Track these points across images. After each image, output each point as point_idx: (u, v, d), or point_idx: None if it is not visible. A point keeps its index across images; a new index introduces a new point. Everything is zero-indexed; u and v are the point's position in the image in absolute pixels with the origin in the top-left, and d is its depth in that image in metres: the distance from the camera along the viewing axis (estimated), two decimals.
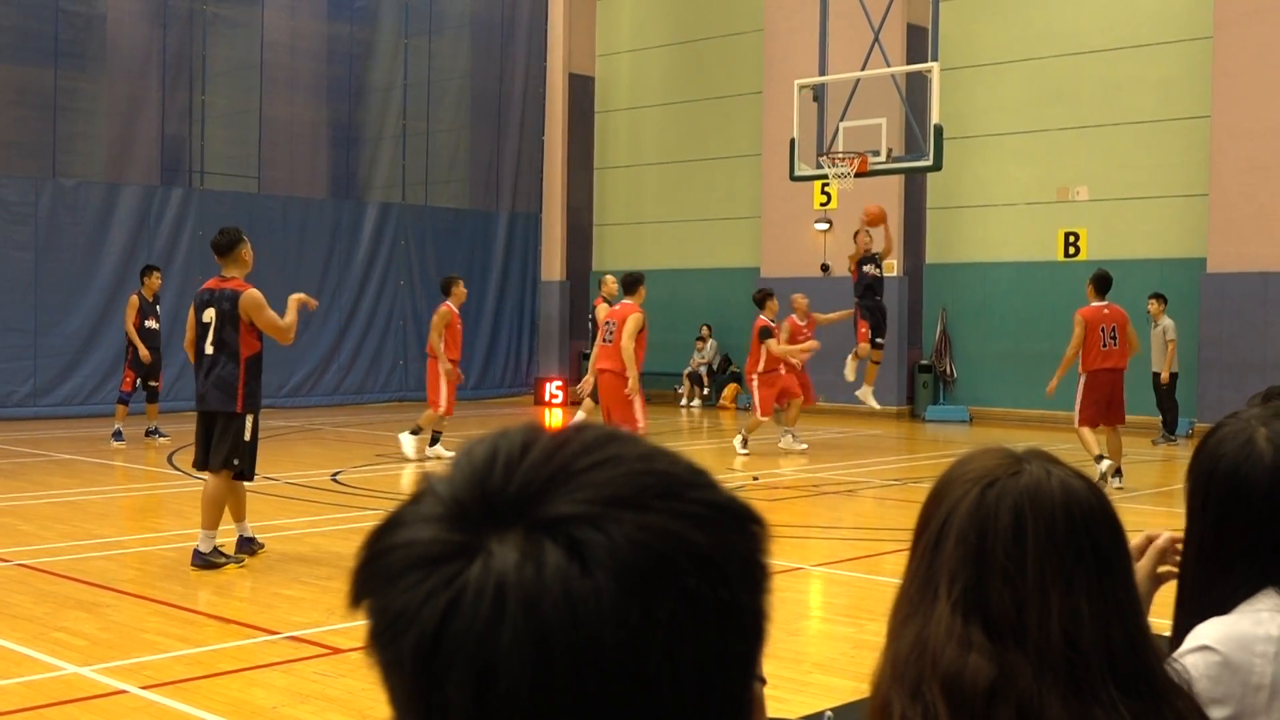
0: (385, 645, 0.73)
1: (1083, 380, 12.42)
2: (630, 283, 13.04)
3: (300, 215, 21.78)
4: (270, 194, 21.62)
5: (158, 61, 20.59)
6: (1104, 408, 12.32)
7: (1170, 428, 17.18)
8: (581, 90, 25.53)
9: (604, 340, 12.90)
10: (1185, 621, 1.95)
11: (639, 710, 0.70)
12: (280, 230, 21.41)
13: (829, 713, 5.29)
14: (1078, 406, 12.45)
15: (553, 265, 25.35)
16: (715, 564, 0.72)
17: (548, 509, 0.71)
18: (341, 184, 23.04)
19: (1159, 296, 17.28)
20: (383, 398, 22.32)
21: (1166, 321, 17.11)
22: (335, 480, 12.98)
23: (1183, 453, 15.24)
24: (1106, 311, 12.58)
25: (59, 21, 19.59)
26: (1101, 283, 12.86)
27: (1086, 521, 1.42)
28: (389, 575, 0.73)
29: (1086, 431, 12.38)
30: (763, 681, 1.67)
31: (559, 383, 23.45)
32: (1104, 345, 12.36)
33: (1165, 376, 17.07)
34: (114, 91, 20.61)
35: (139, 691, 5.84)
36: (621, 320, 12.69)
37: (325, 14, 22.59)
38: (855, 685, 5.79)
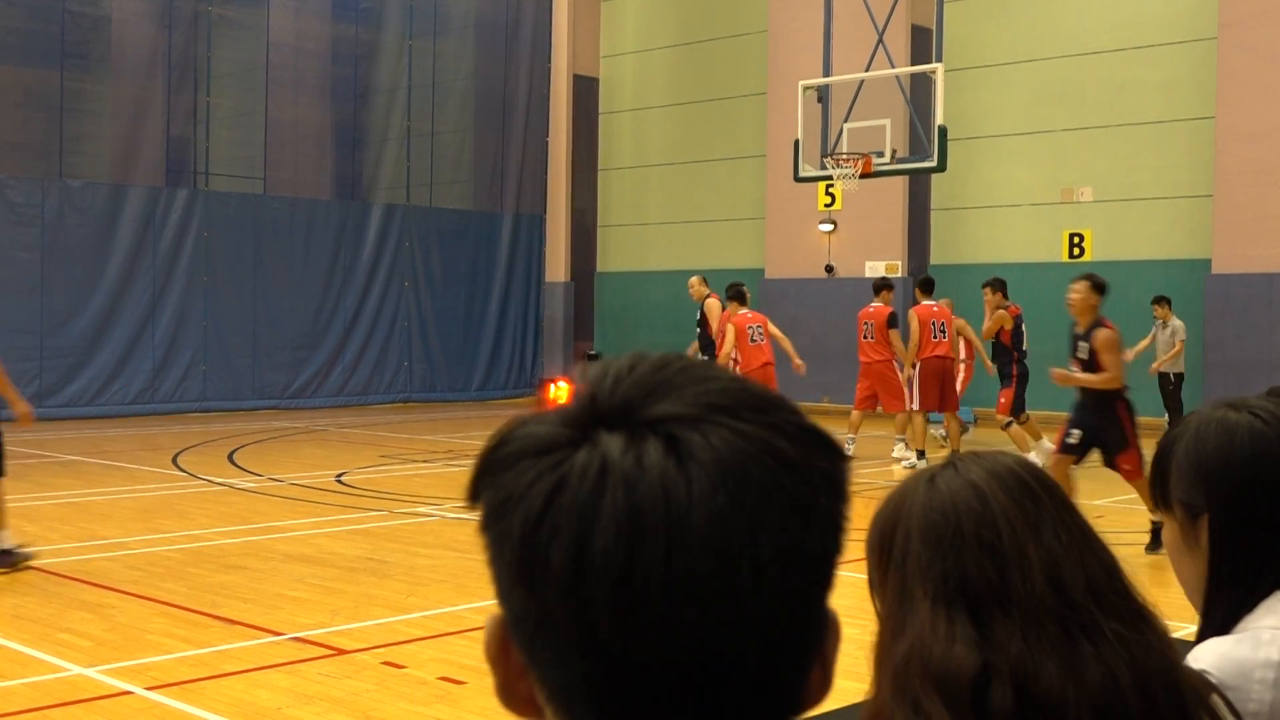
0: (495, 523, 0.79)
1: (918, 368, 14.69)
2: (881, 286, 15.50)
3: (306, 216, 21.80)
4: (276, 195, 21.64)
5: (163, 63, 20.62)
6: (938, 392, 14.63)
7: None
8: (586, 91, 25.54)
9: (864, 337, 15.27)
10: (1206, 634, 1.94)
11: (719, 591, 0.76)
12: (286, 232, 21.44)
13: None
14: (916, 391, 14.69)
15: (557, 266, 25.36)
16: (799, 469, 0.78)
17: (650, 410, 0.78)
18: (346, 185, 23.06)
19: (1163, 300, 17.15)
20: (387, 399, 22.34)
21: (1176, 323, 16.97)
22: (339, 481, 12.99)
23: None
24: (935, 309, 14.96)
25: (65, 23, 19.63)
26: (926, 284, 15.51)
27: (1030, 473, 1.46)
28: (503, 465, 0.80)
29: (920, 420, 14.71)
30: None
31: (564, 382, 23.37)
32: (934, 337, 14.72)
33: (1172, 376, 16.97)
34: (119, 93, 20.64)
35: (144, 693, 5.85)
36: (880, 319, 15.07)
37: (329, 15, 22.61)
38: (860, 687, 5.78)
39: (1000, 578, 1.38)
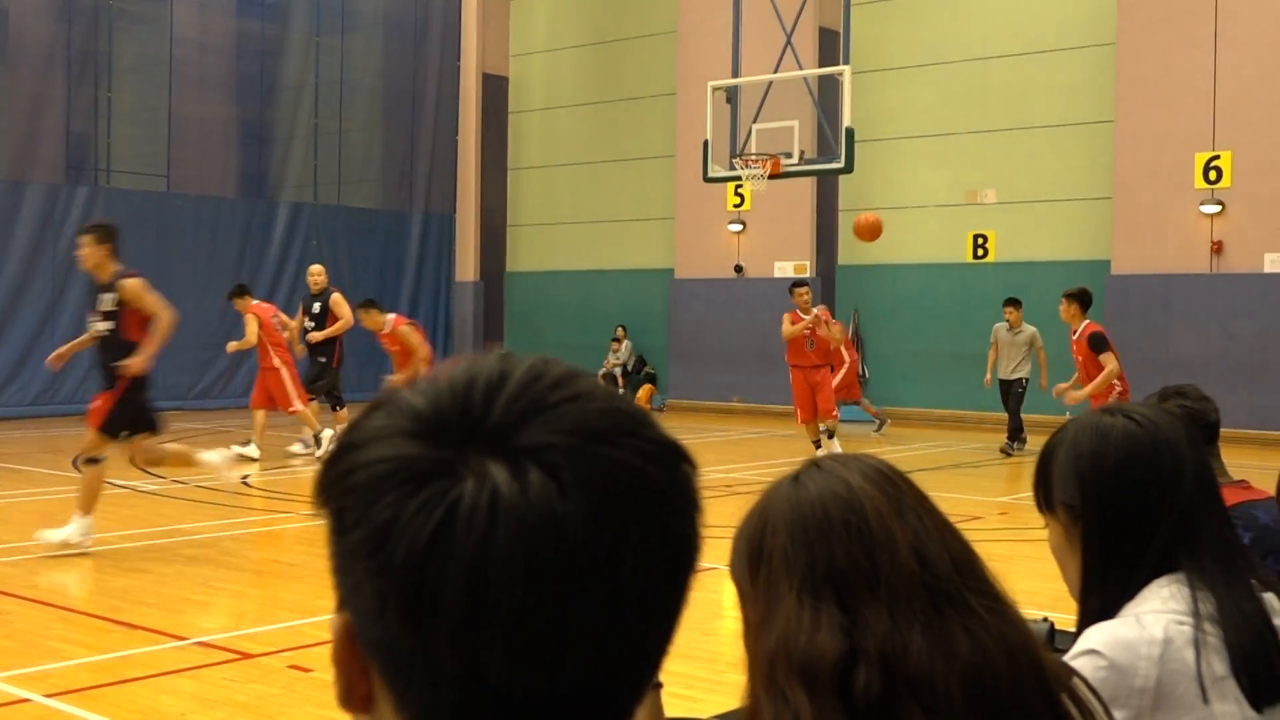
0: (371, 553, 0.77)
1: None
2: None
3: (211, 215, 21.48)
4: (179, 193, 21.30)
5: (62, 57, 20.21)
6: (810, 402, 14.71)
7: (1013, 436, 16.00)
8: (495, 90, 25.45)
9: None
10: (1085, 623, 2.00)
11: (608, 626, 0.78)
12: (191, 230, 21.11)
13: None
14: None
15: (466, 266, 25.24)
16: (670, 498, 0.81)
17: (528, 437, 0.78)
18: (253, 183, 22.76)
19: (1013, 302, 16.30)
20: None
21: (1028, 329, 16.11)
22: (245, 483, 12.82)
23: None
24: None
25: None
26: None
27: (888, 468, 1.49)
28: (373, 487, 0.78)
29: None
30: (659, 685, 1.67)
31: None
32: (808, 347, 14.72)
33: (1022, 381, 16.06)
34: (16, 87, 20.19)
35: (43, 700, 5.73)
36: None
37: (235, 10, 22.31)
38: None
39: (869, 560, 1.40)
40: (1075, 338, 12.81)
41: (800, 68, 17.27)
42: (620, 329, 23.40)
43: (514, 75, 25.49)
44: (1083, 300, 12.88)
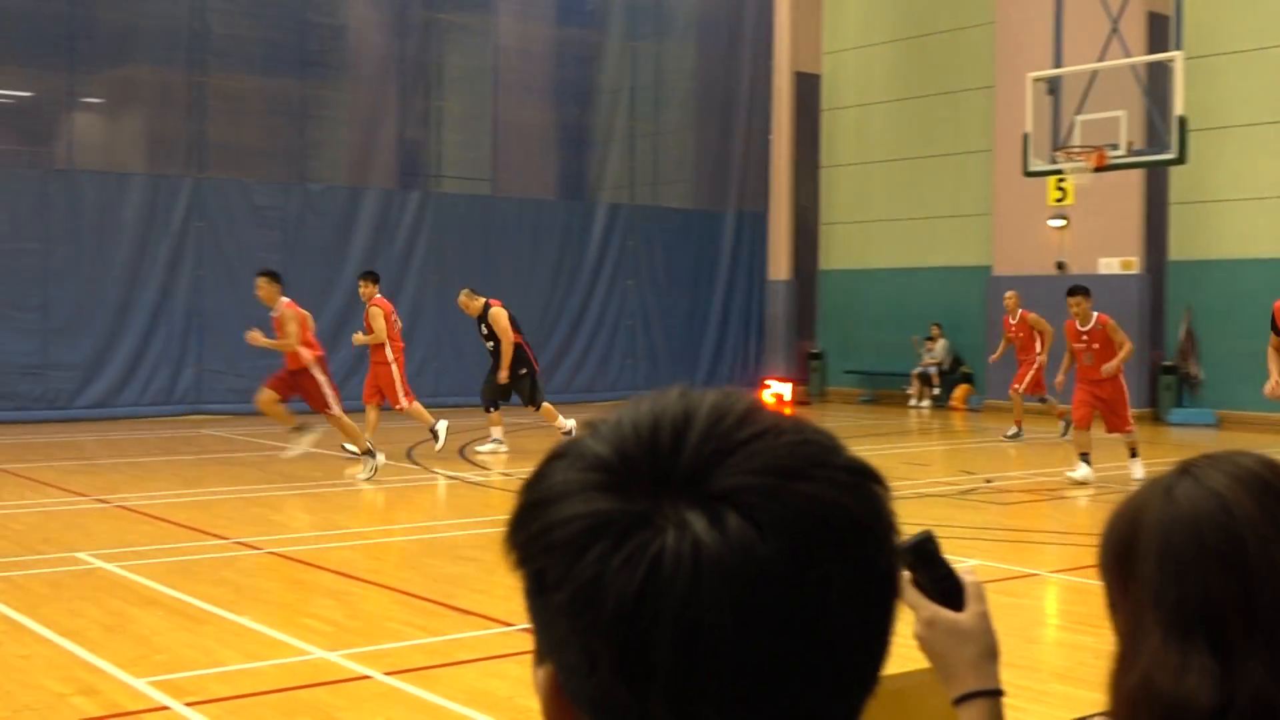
0: (578, 612, 0.76)
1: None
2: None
3: (533, 217, 22.25)
4: (503, 196, 22.15)
5: (396, 69, 21.31)
6: None
7: None
8: (807, 88, 25.39)
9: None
10: None
11: (815, 659, 0.76)
12: (514, 232, 21.93)
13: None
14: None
15: (779, 264, 25.28)
16: (869, 528, 0.79)
17: (721, 480, 0.76)
18: (572, 185, 23.46)
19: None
20: (612, 396, 22.61)
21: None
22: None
23: None
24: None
25: (305, 33, 20.46)
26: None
27: (1275, 473, 1.33)
28: (572, 545, 0.77)
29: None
30: (1000, 693, 1.62)
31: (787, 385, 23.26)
32: (1086, 360, 13.19)
33: None
34: (356, 99, 21.43)
35: (382, 677, 6.05)
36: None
37: (555, 19, 23.02)
38: (1094, 696, 5.61)
39: (1245, 597, 1.28)
40: None
41: (1127, 55, 16.55)
42: (935, 327, 22.97)
43: (826, 72, 25.36)
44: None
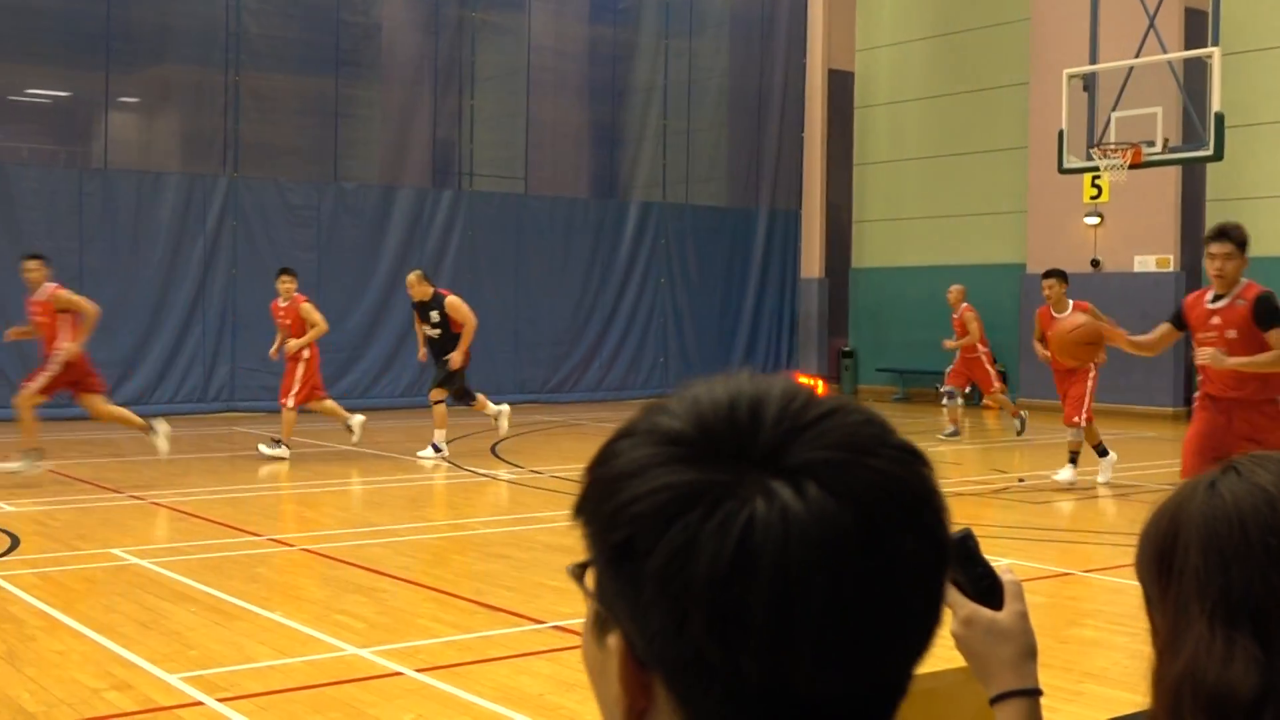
0: (671, 576, 0.80)
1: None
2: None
3: (565, 215, 22.27)
4: (536, 195, 22.18)
5: (429, 68, 21.36)
6: None
7: None
8: (841, 86, 25.32)
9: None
10: None
11: (892, 625, 0.81)
12: (547, 230, 21.96)
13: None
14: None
15: (812, 262, 25.22)
16: (930, 502, 0.84)
17: (798, 454, 0.81)
18: (604, 184, 23.46)
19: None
20: (644, 394, 22.61)
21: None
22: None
23: None
24: None
25: (339, 32, 20.54)
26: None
27: None
28: (661, 513, 0.80)
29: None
30: (1039, 693, 1.61)
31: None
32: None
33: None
34: (389, 98, 21.50)
35: (414, 674, 6.06)
36: None
37: (588, 17, 23.03)
38: (1130, 697, 5.57)
39: None
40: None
41: (1164, 51, 16.42)
42: None
43: (860, 70, 25.28)
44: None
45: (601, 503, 0.84)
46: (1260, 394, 7.75)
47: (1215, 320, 7.85)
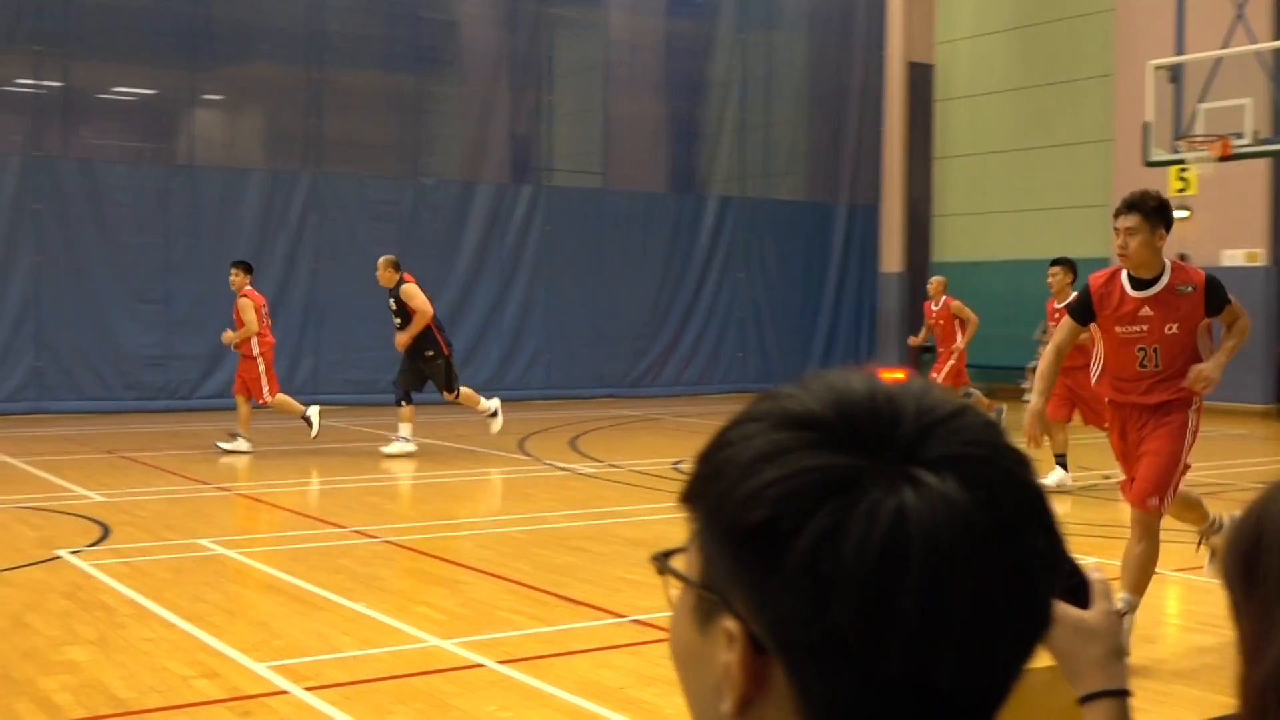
0: (816, 560, 0.80)
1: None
2: None
3: (644, 210, 22.29)
4: (614, 189, 22.22)
5: (507, 64, 21.48)
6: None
7: None
8: (920, 79, 25.10)
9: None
10: None
11: (1026, 621, 0.84)
12: (625, 225, 21.99)
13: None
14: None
15: (891, 257, 25.04)
16: (1047, 503, 0.87)
17: (936, 448, 0.83)
18: (682, 178, 23.45)
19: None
20: (722, 389, 22.59)
21: None
22: (676, 469, 13.21)
23: None
24: None
25: (419, 29, 20.71)
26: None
27: None
28: (807, 496, 0.81)
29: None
30: (1128, 693, 1.59)
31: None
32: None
33: None
34: (467, 94, 21.63)
35: (495, 666, 6.10)
36: None
37: (665, 11, 23.02)
38: (1217, 698, 5.48)
39: None
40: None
41: (1253, 41, 16.13)
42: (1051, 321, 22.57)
43: (940, 62, 25.05)
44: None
45: (733, 485, 0.84)
46: None
47: (1146, 311, 6.33)
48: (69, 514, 10.17)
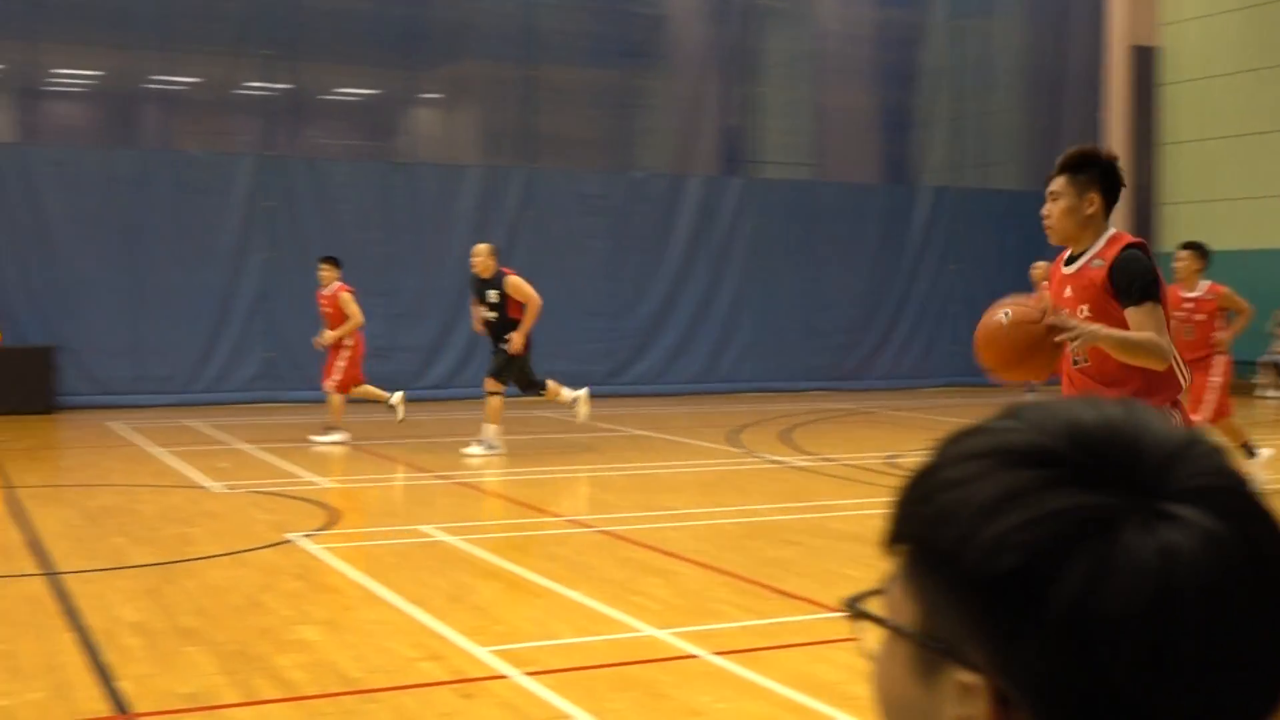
0: (1079, 606, 0.76)
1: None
2: None
3: (856, 201, 22.05)
4: (826, 181, 22.04)
5: (716, 57, 21.50)
6: None
7: None
8: (1144, 62, 24.18)
9: None
10: None
11: (1270, 654, 0.79)
12: (836, 217, 21.79)
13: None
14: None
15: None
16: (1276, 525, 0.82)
17: (1181, 482, 0.79)
18: (895, 169, 23.12)
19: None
20: (938, 382, 22.18)
21: None
22: (890, 463, 13.03)
23: None
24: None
25: (627, 24, 20.90)
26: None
27: None
28: (1065, 539, 0.77)
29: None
30: None
31: None
32: (1185, 334, 10.99)
33: None
34: (677, 88, 21.73)
35: (710, 657, 6.10)
36: None
37: (876, 1, 22.72)
38: None
39: None
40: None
41: None
42: None
43: (1165, 45, 24.10)
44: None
45: (971, 530, 0.80)
46: None
47: (1068, 293, 5.36)
48: (299, 499, 10.57)
